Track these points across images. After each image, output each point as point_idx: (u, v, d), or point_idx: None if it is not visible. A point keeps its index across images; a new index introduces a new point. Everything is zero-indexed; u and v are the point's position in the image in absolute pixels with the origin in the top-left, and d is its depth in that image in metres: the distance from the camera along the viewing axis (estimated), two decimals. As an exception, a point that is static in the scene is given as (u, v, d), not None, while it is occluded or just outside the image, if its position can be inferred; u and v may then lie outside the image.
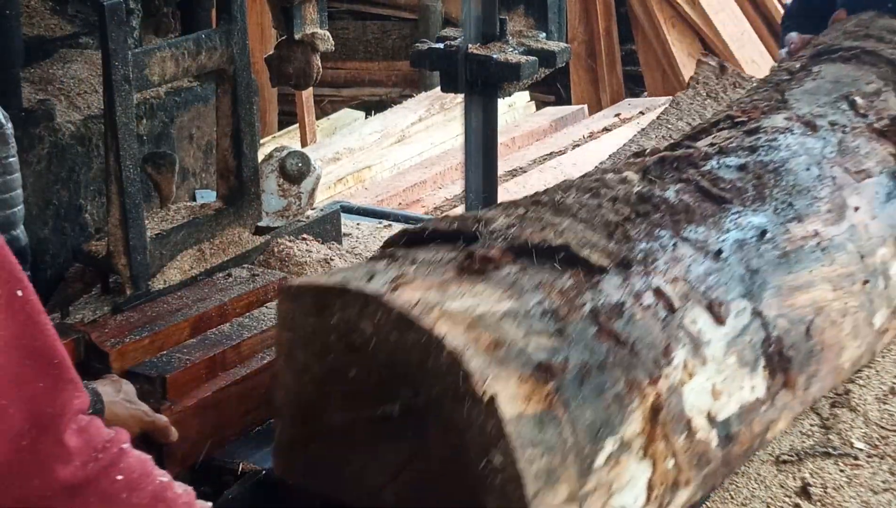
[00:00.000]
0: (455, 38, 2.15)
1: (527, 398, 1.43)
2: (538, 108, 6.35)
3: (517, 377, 1.44)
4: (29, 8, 2.72)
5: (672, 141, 2.29)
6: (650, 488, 1.57)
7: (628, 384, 1.54)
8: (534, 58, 2.11)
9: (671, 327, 1.65)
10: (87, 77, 2.63)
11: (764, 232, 1.90)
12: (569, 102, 7.07)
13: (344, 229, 2.69)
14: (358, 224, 2.85)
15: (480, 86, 2.15)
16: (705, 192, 1.93)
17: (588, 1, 7.24)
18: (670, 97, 6.16)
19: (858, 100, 2.38)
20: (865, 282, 2.04)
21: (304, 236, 2.49)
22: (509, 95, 2.19)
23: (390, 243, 1.77)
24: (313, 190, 2.50)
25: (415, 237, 1.72)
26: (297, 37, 2.33)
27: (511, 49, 2.13)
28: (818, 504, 1.75)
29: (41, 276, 2.36)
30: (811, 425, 1.97)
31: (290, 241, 2.43)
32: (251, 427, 1.94)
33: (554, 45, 2.18)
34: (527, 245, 1.64)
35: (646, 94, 7.17)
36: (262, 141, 5.05)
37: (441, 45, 2.16)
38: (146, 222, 2.17)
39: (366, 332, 1.51)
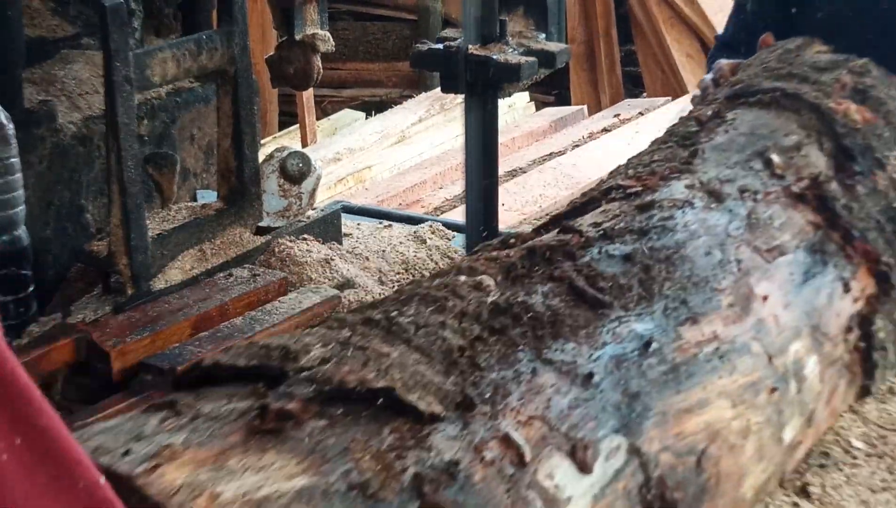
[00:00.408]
0: (455, 39, 2.16)
1: None
2: (538, 108, 6.36)
3: None
4: (30, 9, 2.73)
5: (554, 215, 1.91)
6: None
7: None
8: (533, 59, 2.12)
9: (519, 486, 1.32)
10: (88, 78, 2.64)
11: (648, 343, 1.54)
12: (568, 103, 7.08)
13: (344, 229, 2.69)
14: (358, 224, 2.85)
15: (480, 87, 2.15)
16: (580, 293, 1.57)
17: (587, 2, 7.25)
18: (669, 98, 6.17)
19: (775, 157, 1.99)
20: (773, 390, 1.67)
21: (305, 236, 2.49)
22: (509, 96, 2.20)
23: (177, 382, 1.48)
24: (314, 190, 2.51)
25: (207, 374, 1.38)
26: (297, 38, 2.34)
27: (511, 50, 2.13)
28: (817, 502, 1.75)
29: (43, 276, 2.36)
30: (810, 424, 1.98)
31: (290, 241, 2.44)
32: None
33: (553, 46, 2.18)
34: (338, 390, 1.30)
35: (645, 94, 7.18)
36: (262, 141, 5.06)
37: (441, 46, 2.17)
38: (147, 222, 2.18)
39: None
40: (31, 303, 2.17)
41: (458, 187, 4.54)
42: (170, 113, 2.72)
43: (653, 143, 2.16)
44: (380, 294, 2.37)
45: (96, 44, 2.71)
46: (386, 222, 2.90)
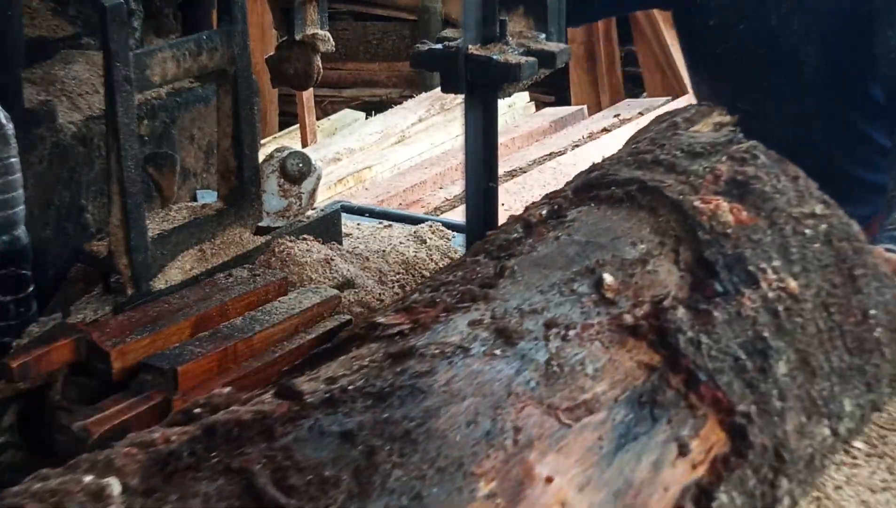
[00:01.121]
0: (455, 39, 2.16)
1: None
2: (538, 108, 6.37)
3: None
4: (30, 9, 2.73)
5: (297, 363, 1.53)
6: None
7: None
8: (533, 59, 2.12)
9: None
10: (88, 78, 2.64)
11: None
12: (568, 103, 7.08)
13: (344, 229, 2.70)
14: (358, 224, 2.86)
15: (480, 87, 2.15)
16: (258, 497, 1.13)
17: (588, 1, 7.24)
18: (669, 98, 6.18)
19: (607, 276, 1.56)
20: None
21: (305, 236, 2.49)
22: (509, 96, 2.19)
23: None
24: (314, 190, 2.51)
25: None
26: (297, 38, 2.34)
27: (511, 50, 2.13)
28: (816, 503, 1.75)
29: (43, 276, 2.36)
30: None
31: (290, 241, 2.44)
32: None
33: (554, 46, 2.18)
34: None
35: (645, 95, 7.19)
36: (262, 141, 5.07)
37: (441, 46, 2.16)
38: (147, 222, 2.18)
39: None
40: (31, 303, 2.17)
41: (458, 187, 4.54)
42: (170, 113, 2.72)
43: (467, 251, 1.79)
44: (380, 294, 2.37)
45: (96, 44, 2.71)
46: (386, 222, 2.90)
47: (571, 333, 1.46)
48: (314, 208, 2.60)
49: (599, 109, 6.53)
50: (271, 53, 2.41)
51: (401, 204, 4.50)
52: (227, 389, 1.40)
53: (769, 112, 2.70)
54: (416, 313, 1.47)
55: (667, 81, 7.04)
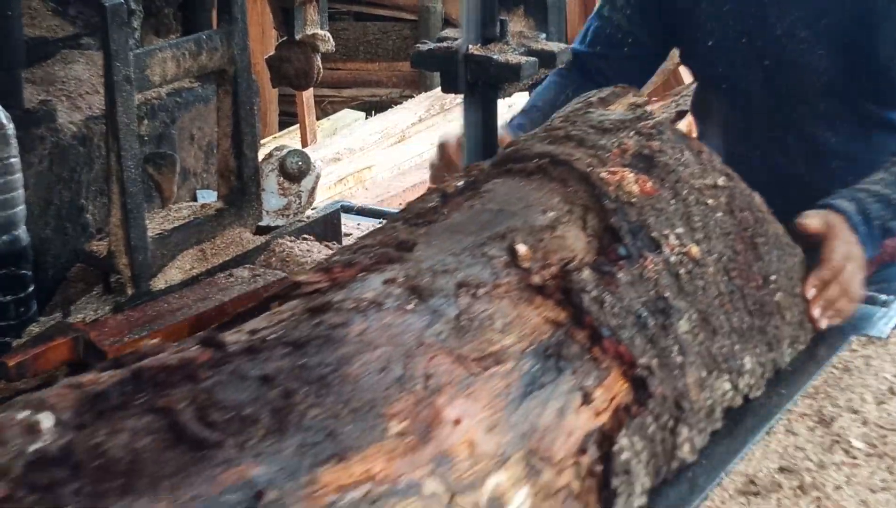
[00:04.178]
0: (455, 39, 2.16)
1: None
2: (538, 108, 6.36)
3: None
4: (30, 9, 2.73)
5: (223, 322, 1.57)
6: None
7: None
8: (534, 58, 2.12)
9: None
10: (88, 78, 2.64)
11: (261, 493, 1.17)
12: (569, 103, 7.09)
13: (344, 229, 2.70)
14: (358, 224, 2.86)
15: (481, 87, 2.15)
16: (180, 431, 1.21)
17: (588, 2, 7.25)
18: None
19: (518, 241, 1.65)
20: None
21: (305, 236, 2.49)
22: (509, 96, 2.19)
23: None
24: (313, 189, 2.51)
25: None
26: (297, 38, 2.34)
27: (511, 50, 2.13)
28: (816, 502, 1.75)
29: (43, 276, 2.36)
30: (810, 425, 1.98)
31: (290, 241, 2.44)
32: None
33: (554, 46, 2.18)
34: None
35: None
36: (262, 141, 5.07)
37: (441, 46, 2.16)
38: (147, 222, 2.18)
39: None
40: (31, 303, 2.17)
41: (459, 187, 4.53)
42: (170, 113, 2.72)
43: (387, 220, 1.87)
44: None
45: (96, 44, 2.71)
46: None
47: (481, 291, 1.54)
48: (314, 208, 2.60)
49: (599, 109, 6.54)
50: (271, 53, 2.41)
51: (401, 204, 4.50)
52: (155, 340, 1.52)
53: (778, 121, 2.70)
54: (335, 273, 1.55)
55: (666, 80, 7.04)
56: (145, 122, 2.63)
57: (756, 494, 1.77)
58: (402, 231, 1.70)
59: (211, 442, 1.21)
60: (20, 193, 2.14)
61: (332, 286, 1.51)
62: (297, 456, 1.24)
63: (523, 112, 2.76)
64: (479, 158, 2.18)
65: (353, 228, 2.82)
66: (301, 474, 1.22)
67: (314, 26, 2.36)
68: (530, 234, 1.67)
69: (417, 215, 1.76)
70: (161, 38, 2.81)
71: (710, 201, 1.88)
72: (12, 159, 2.10)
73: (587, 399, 1.55)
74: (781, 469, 1.83)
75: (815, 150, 2.69)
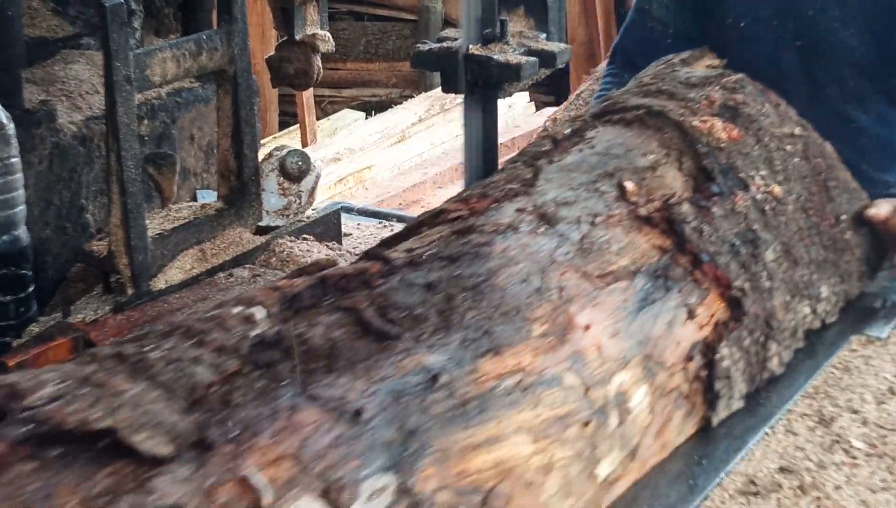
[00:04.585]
0: (455, 39, 2.16)
1: None
2: (538, 108, 6.37)
3: None
4: (31, 9, 2.73)
5: (381, 240, 1.83)
6: None
7: None
8: (534, 58, 2.12)
9: None
10: (88, 78, 2.64)
11: (436, 376, 1.43)
12: (569, 103, 7.08)
13: (344, 229, 2.70)
14: (358, 224, 2.86)
15: (481, 87, 2.15)
16: (366, 326, 1.46)
17: (588, 1, 7.25)
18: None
19: (625, 178, 1.90)
20: (586, 423, 1.57)
21: (305, 236, 2.49)
22: (509, 96, 2.19)
23: None
24: (313, 189, 2.52)
25: None
26: (297, 38, 2.34)
27: (511, 50, 2.13)
28: (817, 502, 1.75)
29: (43, 276, 2.36)
30: (810, 425, 1.98)
31: (290, 241, 2.44)
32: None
33: (554, 46, 2.18)
34: (57, 431, 1.21)
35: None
36: (262, 141, 5.06)
37: (441, 46, 2.17)
38: (147, 222, 2.18)
39: None
40: (31, 303, 2.17)
41: (458, 188, 4.54)
42: (170, 113, 2.73)
43: (506, 162, 2.07)
44: (380, 294, 2.37)
45: (96, 44, 2.71)
46: (386, 222, 2.90)
47: (598, 219, 1.79)
48: (314, 209, 2.60)
49: (599, 109, 6.54)
50: (271, 53, 2.41)
51: (401, 204, 4.50)
52: (330, 255, 1.81)
53: (809, 101, 2.73)
54: (472, 203, 1.81)
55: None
56: (145, 122, 2.63)
57: (756, 494, 1.77)
58: (523, 170, 1.92)
59: (392, 335, 1.46)
60: (20, 193, 2.14)
61: (471, 214, 1.76)
62: (461, 349, 1.48)
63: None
64: (479, 159, 2.18)
65: (353, 228, 2.82)
66: (466, 363, 1.47)
67: (314, 26, 2.36)
68: (634, 173, 1.90)
69: (533, 158, 1.97)
70: (161, 38, 2.81)
71: (788, 148, 2.10)
72: (12, 159, 2.10)
73: (691, 315, 1.78)
74: (781, 469, 1.83)
75: (846, 129, 2.71)
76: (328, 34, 2.38)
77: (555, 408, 1.53)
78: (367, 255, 1.68)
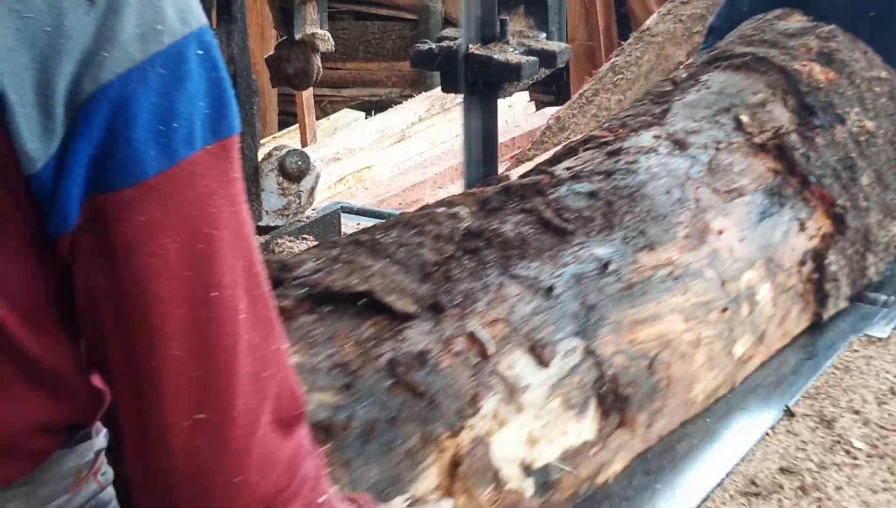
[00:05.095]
0: (455, 39, 2.15)
1: None
2: (538, 108, 6.36)
3: None
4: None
5: (537, 163, 2.19)
6: (453, 542, 1.49)
7: (423, 438, 1.45)
8: (534, 58, 2.12)
9: (482, 374, 1.55)
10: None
11: (607, 264, 1.78)
12: (569, 103, 7.07)
13: (344, 229, 2.69)
14: (358, 224, 2.85)
15: (481, 86, 2.15)
16: (546, 223, 1.82)
17: (588, 1, 7.25)
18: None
19: (741, 112, 2.25)
20: (724, 310, 1.91)
21: (305, 235, 2.49)
22: (509, 96, 2.19)
23: None
24: (313, 188, 2.51)
25: None
26: (297, 37, 2.34)
27: (511, 49, 2.13)
28: (818, 503, 1.75)
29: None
30: (811, 426, 1.97)
31: (290, 241, 2.44)
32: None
33: (554, 46, 2.18)
34: (327, 292, 1.55)
35: (645, 94, 7.17)
36: (262, 141, 5.05)
37: (441, 46, 2.16)
38: (146, 221, 2.17)
39: None
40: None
41: (458, 187, 4.53)
42: (169, 112, 2.72)
43: (633, 102, 2.44)
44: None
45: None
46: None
47: (721, 146, 2.15)
48: (314, 209, 2.59)
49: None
50: (271, 53, 2.40)
51: (401, 204, 4.49)
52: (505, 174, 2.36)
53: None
54: (615, 131, 2.18)
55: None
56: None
57: (757, 495, 1.77)
58: (652, 107, 2.29)
59: (568, 231, 1.82)
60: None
61: (616, 139, 2.13)
62: (623, 244, 1.85)
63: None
64: (479, 158, 2.18)
65: (353, 228, 2.81)
66: (628, 256, 1.84)
67: (314, 26, 2.36)
68: (747, 109, 2.26)
69: (659, 97, 2.35)
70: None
71: (876, 89, 2.42)
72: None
73: (802, 227, 2.14)
74: (782, 470, 1.83)
75: None
76: (328, 34, 2.38)
77: (699, 295, 1.89)
78: (535, 171, 2.06)
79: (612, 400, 1.68)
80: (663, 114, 2.22)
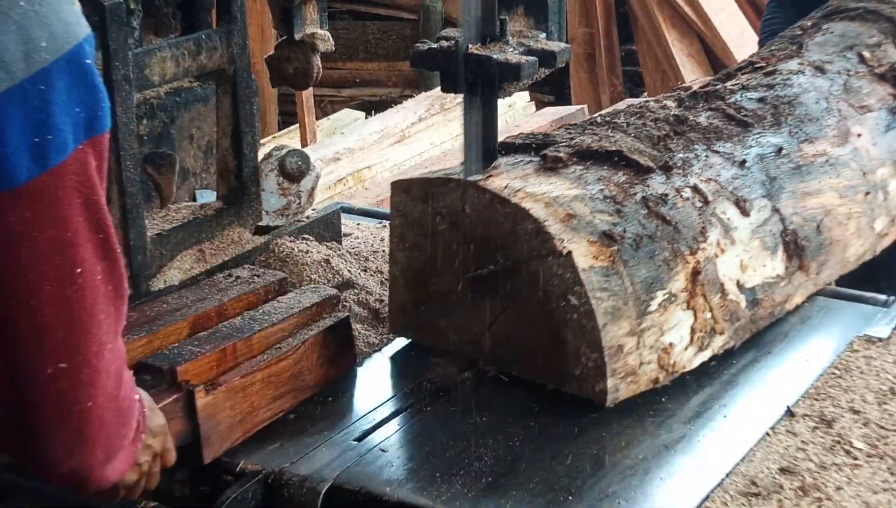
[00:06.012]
0: (455, 39, 2.15)
1: (595, 256, 1.91)
2: (538, 108, 6.35)
3: (587, 241, 1.93)
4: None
5: (706, 82, 2.77)
6: (692, 331, 2.03)
7: (673, 252, 2.01)
8: (534, 58, 2.11)
9: (706, 214, 2.11)
10: (87, 77, 2.63)
11: (780, 149, 2.35)
12: (568, 103, 7.07)
13: (344, 229, 2.69)
14: (358, 224, 2.85)
15: (480, 86, 2.15)
16: (731, 117, 2.40)
17: (588, 1, 7.24)
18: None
19: (862, 49, 2.84)
20: (867, 193, 2.48)
21: (305, 236, 2.49)
22: (509, 96, 2.18)
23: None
24: (313, 189, 2.51)
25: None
26: (297, 37, 2.33)
27: (511, 49, 2.12)
28: (818, 503, 1.75)
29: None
30: (812, 426, 1.97)
31: (290, 241, 2.43)
32: (281, 412, 1.97)
33: (554, 46, 2.17)
34: (588, 150, 2.12)
35: (645, 94, 7.16)
36: (262, 141, 5.05)
37: (441, 46, 2.16)
38: (146, 222, 2.17)
39: (466, 211, 2.02)
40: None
41: (458, 187, 4.52)
42: (169, 112, 2.72)
43: (767, 45, 3.05)
44: (380, 294, 2.37)
45: (96, 43, 2.70)
46: (385, 223, 2.89)
47: (850, 72, 2.75)
48: (314, 209, 2.59)
49: (599, 109, 6.51)
50: (271, 53, 2.40)
51: (401, 204, 4.47)
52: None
53: None
54: (767, 59, 2.80)
55: (666, 80, 7.02)
56: (145, 122, 2.63)
57: (757, 495, 1.77)
58: (788, 46, 2.88)
59: (748, 123, 2.42)
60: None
61: (768, 65, 2.74)
62: (789, 137, 2.44)
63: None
64: (479, 158, 2.18)
65: (353, 228, 2.81)
66: (794, 145, 2.42)
67: (314, 25, 2.35)
68: (867, 47, 2.86)
69: (791, 39, 2.94)
70: (160, 38, 2.81)
71: None
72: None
73: None
74: (782, 470, 1.83)
75: None
76: (328, 33, 2.37)
77: (848, 180, 2.47)
78: (711, 83, 2.67)
79: (794, 248, 2.26)
80: (799, 49, 2.82)
